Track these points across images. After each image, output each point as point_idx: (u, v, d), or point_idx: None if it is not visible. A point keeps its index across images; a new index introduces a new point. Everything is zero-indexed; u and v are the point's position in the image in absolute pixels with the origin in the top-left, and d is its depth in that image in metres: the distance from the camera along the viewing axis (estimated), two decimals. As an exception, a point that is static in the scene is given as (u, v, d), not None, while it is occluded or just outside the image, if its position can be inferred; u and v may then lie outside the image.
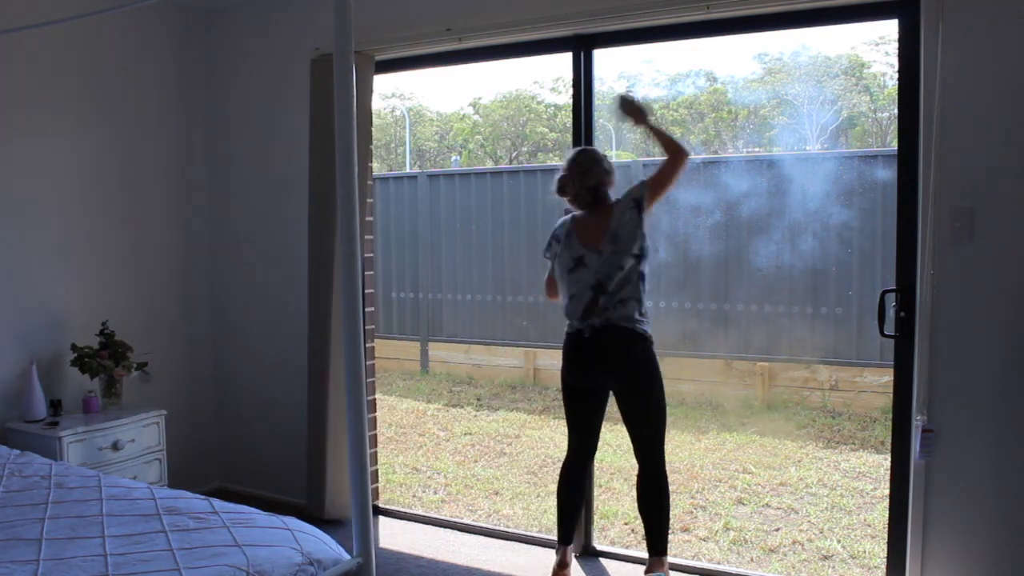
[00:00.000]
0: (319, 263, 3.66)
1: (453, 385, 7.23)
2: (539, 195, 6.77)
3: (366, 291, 3.68)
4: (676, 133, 2.78)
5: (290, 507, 3.77)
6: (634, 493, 2.97)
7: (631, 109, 2.84)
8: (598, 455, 3.14)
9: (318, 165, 3.65)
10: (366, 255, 3.73)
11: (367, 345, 3.55)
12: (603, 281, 2.76)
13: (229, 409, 4.23)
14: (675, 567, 3.28)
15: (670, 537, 2.95)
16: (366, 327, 3.49)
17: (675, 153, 2.77)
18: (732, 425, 5.71)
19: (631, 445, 2.91)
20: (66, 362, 3.44)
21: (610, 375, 2.85)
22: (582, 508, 3.12)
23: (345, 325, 2.04)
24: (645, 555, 3.35)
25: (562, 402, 3.01)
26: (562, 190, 2.89)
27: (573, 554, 3.13)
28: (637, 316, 2.78)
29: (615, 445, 5.15)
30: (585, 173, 2.82)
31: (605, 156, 2.89)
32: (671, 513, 2.95)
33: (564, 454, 3.06)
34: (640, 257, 2.77)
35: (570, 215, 2.93)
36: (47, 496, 2.46)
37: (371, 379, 3.75)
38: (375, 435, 4.06)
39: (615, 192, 2.90)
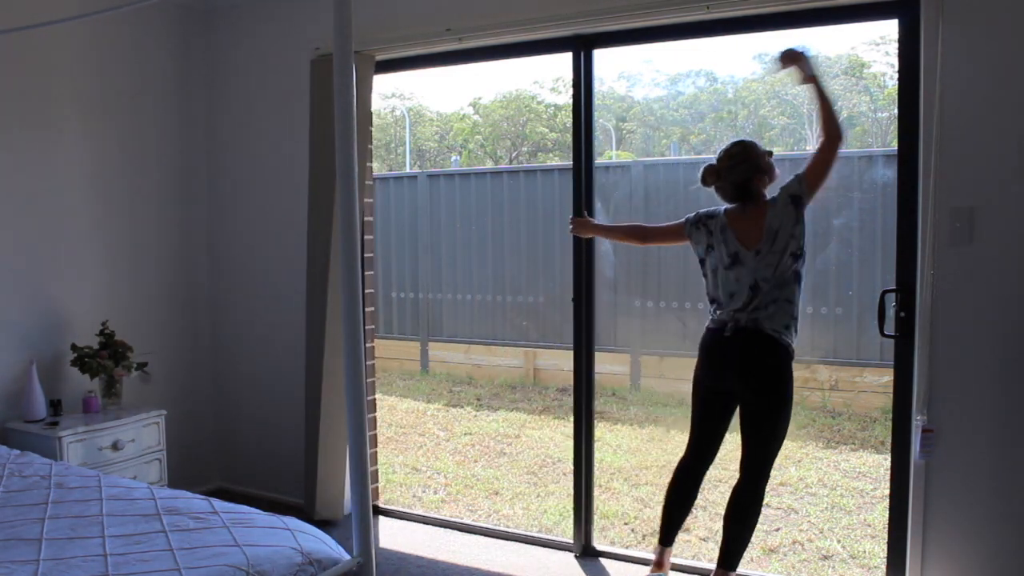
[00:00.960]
0: (317, 263, 3.66)
1: (453, 385, 7.23)
2: (539, 195, 6.77)
3: (366, 291, 3.68)
4: (835, 107, 2.67)
5: (290, 507, 3.78)
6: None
7: (800, 62, 2.67)
8: (598, 455, 3.13)
9: (318, 165, 3.65)
10: (366, 255, 3.74)
11: (367, 345, 3.55)
12: (759, 282, 2.66)
13: (229, 409, 4.23)
14: (675, 567, 3.27)
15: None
16: (366, 327, 3.49)
17: (832, 137, 2.62)
18: (732, 425, 5.70)
19: (740, 452, 2.81)
20: (66, 362, 3.44)
21: (741, 379, 2.75)
22: (688, 513, 3.02)
23: (345, 325, 2.04)
24: (645, 555, 3.36)
25: (692, 399, 2.93)
26: (704, 179, 2.80)
27: (670, 557, 3.01)
28: (784, 325, 2.68)
29: (615, 445, 5.15)
30: (733, 168, 2.72)
31: (766, 152, 2.77)
32: (753, 536, 2.85)
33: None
34: (798, 256, 2.66)
35: (723, 208, 2.82)
36: (47, 496, 2.46)
37: (371, 379, 3.76)
38: (375, 435, 4.07)
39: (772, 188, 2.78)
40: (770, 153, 2.79)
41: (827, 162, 2.64)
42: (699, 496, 3.05)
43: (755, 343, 2.68)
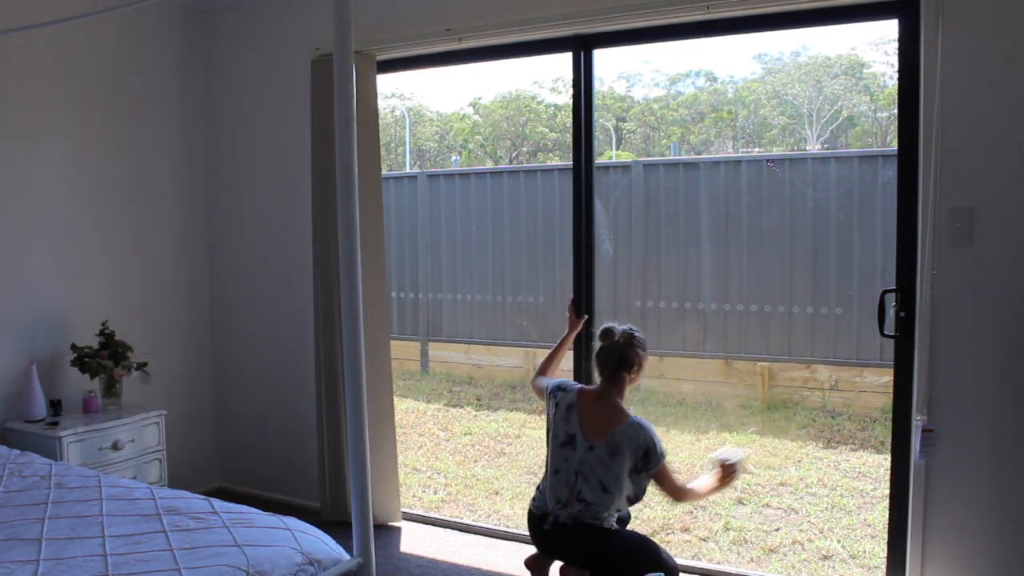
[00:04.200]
0: (325, 263, 3.65)
1: (453, 385, 7.23)
2: (539, 195, 6.76)
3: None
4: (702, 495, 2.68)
5: (294, 508, 3.78)
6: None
7: (729, 476, 2.62)
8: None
9: (320, 165, 3.65)
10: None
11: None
12: (586, 475, 2.56)
13: (229, 409, 4.23)
14: (675, 567, 3.28)
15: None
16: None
17: (674, 498, 2.63)
18: (732, 425, 5.70)
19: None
20: (66, 362, 3.44)
21: (573, 562, 2.66)
22: None
23: (345, 325, 2.04)
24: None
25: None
26: (601, 334, 2.69)
27: None
28: (606, 515, 2.58)
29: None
30: (629, 347, 2.63)
31: (645, 352, 2.69)
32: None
33: None
34: (631, 481, 2.57)
35: (577, 386, 2.74)
36: (47, 496, 2.46)
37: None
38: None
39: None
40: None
41: (666, 493, 2.61)
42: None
43: (575, 535, 2.58)
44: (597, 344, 2.72)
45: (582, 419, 2.63)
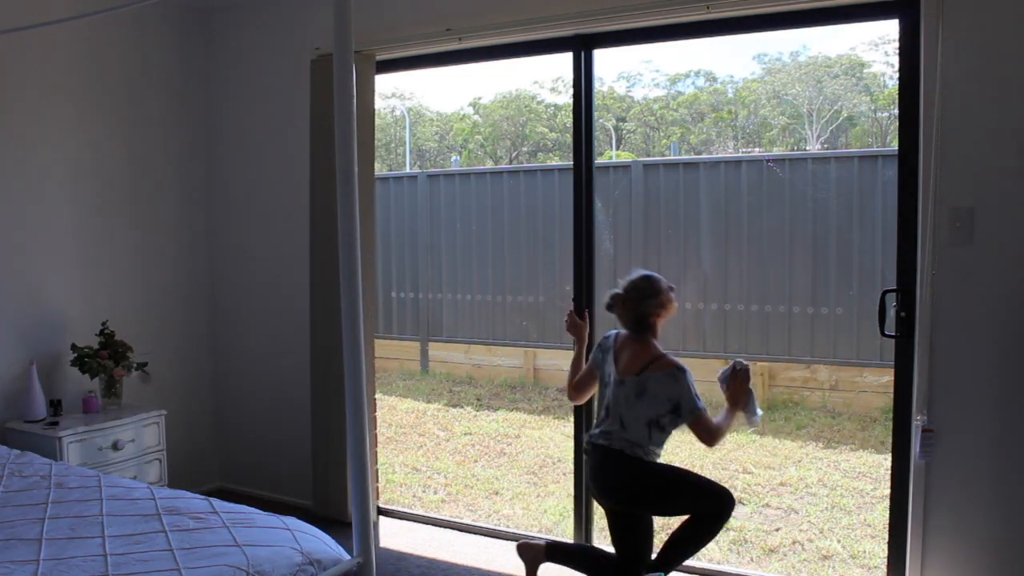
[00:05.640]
0: (323, 263, 3.65)
1: (453, 385, 7.23)
2: (539, 195, 6.76)
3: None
4: (731, 427, 2.72)
5: (290, 507, 3.77)
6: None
7: (738, 385, 2.71)
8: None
9: (319, 165, 3.65)
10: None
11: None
12: (616, 408, 2.71)
13: (229, 409, 4.23)
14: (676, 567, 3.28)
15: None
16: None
17: (707, 440, 2.67)
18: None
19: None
20: (66, 362, 3.44)
21: (616, 499, 2.73)
22: None
23: (345, 325, 2.04)
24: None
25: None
26: (610, 307, 2.82)
27: None
28: (641, 448, 2.68)
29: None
30: (639, 300, 2.75)
31: (668, 288, 2.79)
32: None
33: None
34: (651, 430, 2.67)
35: (615, 332, 2.88)
36: (47, 496, 2.46)
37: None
38: (375, 435, 4.05)
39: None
40: (672, 288, 2.81)
41: (700, 439, 2.67)
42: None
43: (615, 463, 2.68)
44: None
45: (617, 358, 2.79)
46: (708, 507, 2.65)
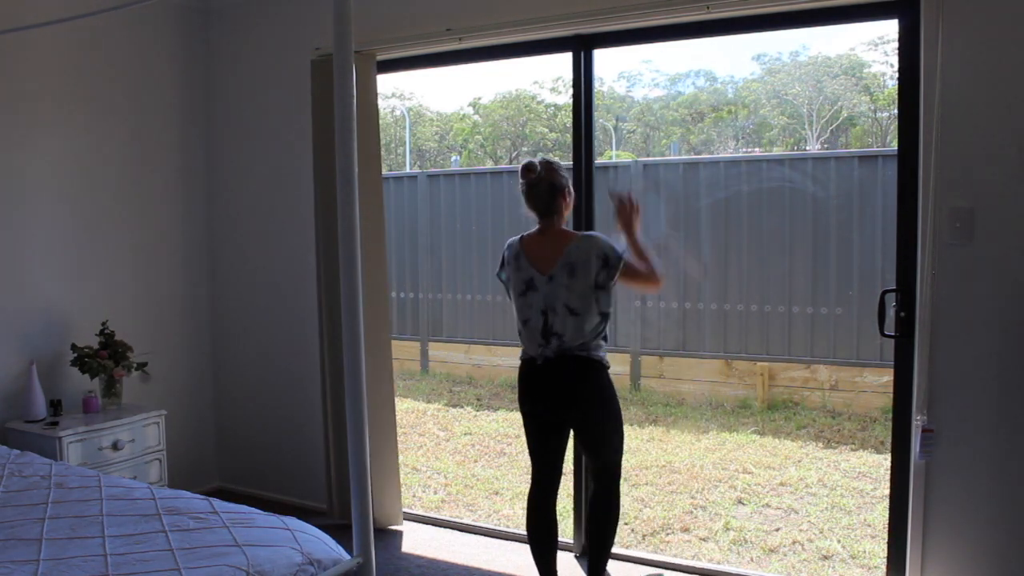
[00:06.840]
0: (327, 263, 3.64)
1: (453, 385, 7.23)
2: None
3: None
4: (656, 259, 2.70)
5: (291, 507, 3.78)
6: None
7: (622, 211, 2.72)
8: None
9: (321, 165, 3.65)
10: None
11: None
12: (553, 306, 2.64)
13: (229, 409, 4.23)
14: (675, 567, 3.28)
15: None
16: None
17: (648, 283, 2.69)
18: (732, 425, 5.71)
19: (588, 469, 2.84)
20: (66, 362, 3.44)
21: (564, 407, 2.72)
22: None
23: (345, 325, 2.04)
24: (644, 555, 3.36)
25: (525, 431, 2.86)
26: (525, 170, 2.72)
27: None
28: (590, 343, 2.65)
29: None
30: (555, 172, 2.70)
31: (568, 174, 2.77)
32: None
33: None
34: (598, 295, 2.64)
35: (518, 236, 2.79)
36: (47, 496, 2.46)
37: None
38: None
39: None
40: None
41: (640, 285, 2.71)
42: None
43: (567, 368, 2.65)
44: (522, 184, 2.73)
45: (531, 259, 2.70)
46: (616, 463, 2.74)
